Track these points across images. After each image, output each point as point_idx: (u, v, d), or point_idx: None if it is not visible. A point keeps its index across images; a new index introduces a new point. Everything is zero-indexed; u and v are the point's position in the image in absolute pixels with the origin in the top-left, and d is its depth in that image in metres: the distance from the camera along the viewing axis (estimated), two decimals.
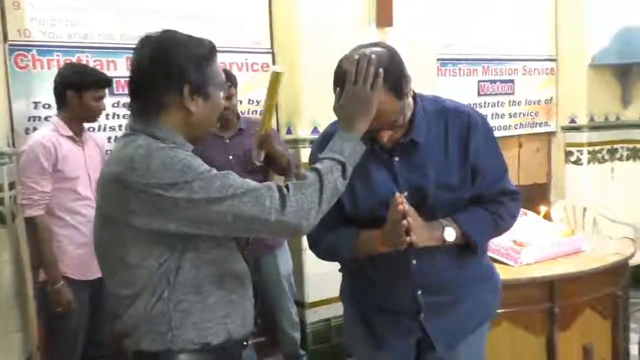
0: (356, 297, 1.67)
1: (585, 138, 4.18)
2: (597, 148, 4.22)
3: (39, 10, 2.61)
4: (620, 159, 4.30)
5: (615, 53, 4.00)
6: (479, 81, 3.96)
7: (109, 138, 2.77)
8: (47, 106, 2.59)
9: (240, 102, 2.96)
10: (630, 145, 4.30)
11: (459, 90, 3.73)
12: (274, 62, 3.22)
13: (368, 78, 1.33)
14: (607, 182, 4.22)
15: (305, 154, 3.05)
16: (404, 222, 1.38)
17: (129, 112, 1.34)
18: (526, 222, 2.55)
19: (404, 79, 1.40)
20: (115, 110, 2.79)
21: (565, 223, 3.50)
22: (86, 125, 2.47)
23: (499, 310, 1.71)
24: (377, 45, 1.42)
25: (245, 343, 1.38)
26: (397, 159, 1.49)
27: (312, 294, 3.16)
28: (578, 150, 4.21)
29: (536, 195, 4.01)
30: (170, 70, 1.25)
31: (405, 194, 1.44)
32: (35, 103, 2.61)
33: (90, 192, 2.35)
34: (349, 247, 1.51)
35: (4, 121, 2.49)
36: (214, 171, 1.23)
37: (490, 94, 4.01)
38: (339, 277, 1.73)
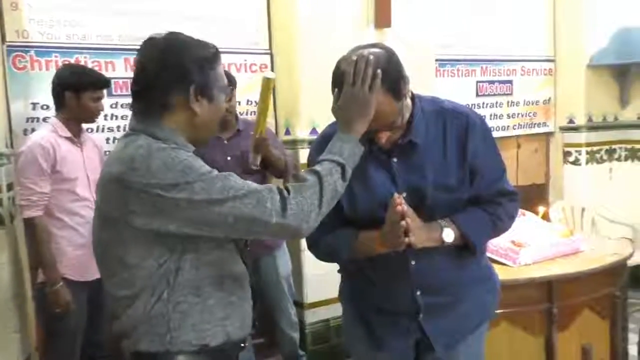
0: (355, 298, 1.67)
1: (584, 138, 4.19)
2: (595, 148, 4.22)
3: (37, 11, 2.61)
4: (618, 159, 4.31)
5: (614, 53, 4.00)
6: (477, 82, 3.97)
7: (108, 139, 2.77)
8: (45, 107, 2.59)
9: (239, 102, 2.97)
10: (629, 146, 4.31)
11: (457, 90, 3.74)
12: (272, 63, 3.22)
13: (366, 79, 1.33)
14: (605, 183, 4.23)
15: (303, 154, 3.05)
16: (403, 223, 1.38)
17: (130, 112, 1.34)
18: (525, 223, 2.55)
19: (402, 79, 1.40)
20: (113, 111, 2.79)
21: (564, 223, 3.51)
22: (85, 126, 2.47)
23: (498, 311, 1.72)
24: (375, 46, 1.42)
25: (242, 345, 1.38)
26: (395, 160, 1.49)
27: (311, 295, 3.16)
28: (576, 151, 4.22)
29: (534, 196, 4.01)
30: (177, 70, 1.26)
31: (404, 194, 1.44)
32: (34, 104, 2.60)
33: (89, 193, 2.35)
34: (347, 248, 1.51)
35: (2, 122, 2.48)
36: (215, 172, 1.23)
37: (488, 95, 4.02)
38: (338, 277, 1.73)
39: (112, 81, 2.71)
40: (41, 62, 2.62)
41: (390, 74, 1.37)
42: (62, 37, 2.67)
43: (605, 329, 2.47)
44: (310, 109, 3.09)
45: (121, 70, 2.80)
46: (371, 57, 1.34)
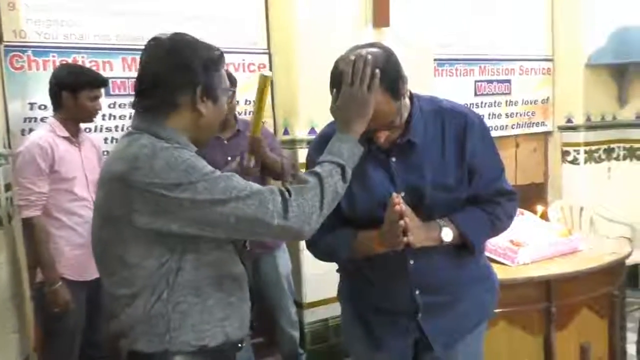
0: (354, 297, 1.67)
1: (582, 138, 4.19)
2: (593, 148, 4.23)
3: (34, 11, 2.61)
4: (617, 158, 4.31)
5: (612, 53, 4.01)
6: (476, 81, 3.97)
7: (106, 139, 2.77)
8: (43, 107, 2.59)
9: (237, 102, 2.96)
10: (627, 145, 4.31)
11: (455, 90, 3.74)
12: (270, 63, 3.22)
13: (364, 79, 1.33)
14: (603, 182, 4.23)
15: (302, 154, 3.05)
16: (401, 222, 1.38)
17: (133, 111, 1.34)
18: (523, 222, 2.56)
19: (401, 79, 1.39)
20: (111, 111, 2.79)
21: (562, 223, 3.51)
22: (82, 126, 2.47)
23: (497, 310, 1.71)
24: (373, 46, 1.42)
25: (240, 345, 1.38)
26: (394, 159, 1.49)
27: (310, 295, 3.16)
28: (575, 150, 4.22)
29: (533, 195, 4.02)
30: (184, 71, 1.26)
31: (402, 194, 1.44)
32: (31, 104, 2.60)
33: (87, 193, 2.35)
34: (346, 248, 1.51)
35: (0, 122, 2.48)
36: (218, 172, 1.23)
37: (487, 94, 4.02)
38: (336, 277, 1.73)
39: (110, 81, 2.71)
40: (39, 62, 2.61)
41: (389, 73, 1.36)
42: (59, 37, 2.67)
43: (603, 328, 2.48)
44: (309, 109, 3.09)
45: (119, 70, 2.79)
46: (369, 56, 1.34)
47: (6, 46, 2.55)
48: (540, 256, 2.42)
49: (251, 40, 3.17)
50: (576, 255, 2.49)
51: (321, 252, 1.59)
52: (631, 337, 2.72)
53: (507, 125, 4.13)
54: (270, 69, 3.20)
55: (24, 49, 2.59)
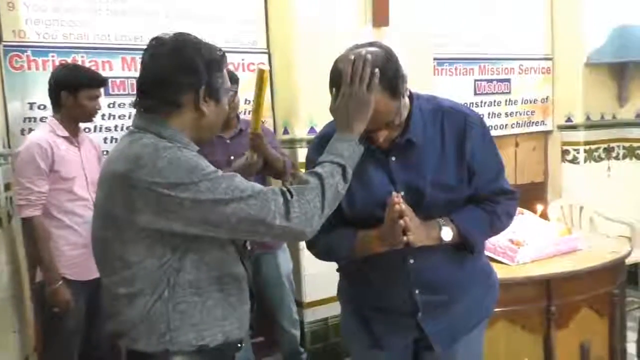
0: (354, 297, 1.67)
1: (582, 137, 4.19)
2: (593, 147, 4.23)
3: (33, 11, 2.61)
4: (616, 157, 4.31)
5: (611, 52, 4.00)
6: (475, 80, 3.97)
7: (105, 139, 2.76)
8: (42, 107, 2.59)
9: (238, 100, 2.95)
10: (627, 144, 4.31)
11: (455, 89, 3.74)
12: (270, 62, 3.22)
13: (364, 78, 1.33)
14: (603, 181, 4.23)
15: (302, 154, 3.05)
16: (401, 221, 1.38)
17: (135, 111, 1.34)
18: (523, 221, 2.56)
19: (400, 78, 1.39)
20: (111, 110, 2.79)
21: (562, 222, 3.51)
22: (82, 125, 2.47)
23: (496, 309, 1.71)
24: (373, 45, 1.41)
25: (239, 345, 1.38)
26: (393, 158, 1.49)
27: (310, 294, 3.16)
28: (574, 149, 4.22)
29: (533, 194, 4.01)
30: (189, 71, 1.27)
31: (402, 193, 1.44)
32: (31, 104, 2.60)
33: (87, 193, 2.34)
34: (346, 248, 1.51)
35: (0, 122, 2.48)
36: (220, 172, 1.23)
37: (486, 93, 4.02)
38: (336, 276, 1.73)
39: (110, 81, 2.71)
40: (38, 62, 2.61)
41: (388, 73, 1.36)
42: (59, 37, 2.67)
43: (603, 327, 2.47)
44: (309, 108, 3.09)
45: (118, 70, 2.79)
46: (369, 56, 1.34)
47: (5, 46, 2.55)
48: (540, 255, 2.42)
49: (251, 40, 3.16)
50: (576, 254, 2.49)
51: (321, 251, 1.58)
52: (631, 336, 2.72)
53: (506, 125, 4.13)
54: (270, 69, 3.20)
55: (23, 48, 2.58)
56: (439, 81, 3.70)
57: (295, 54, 3.08)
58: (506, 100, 4.12)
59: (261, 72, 2.01)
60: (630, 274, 2.86)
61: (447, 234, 1.46)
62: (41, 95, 2.48)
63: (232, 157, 2.54)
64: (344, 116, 1.35)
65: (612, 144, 4.29)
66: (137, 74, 1.33)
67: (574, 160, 4.23)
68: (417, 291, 1.53)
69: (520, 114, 4.18)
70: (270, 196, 1.22)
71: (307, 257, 2.98)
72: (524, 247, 2.38)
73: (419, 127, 1.47)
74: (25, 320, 2.55)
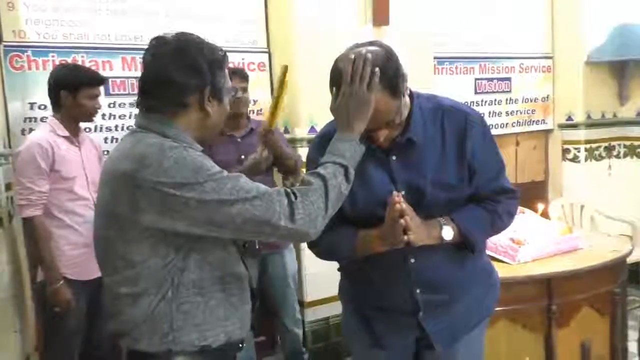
0: (355, 296, 1.67)
1: (583, 135, 4.18)
2: (594, 145, 4.22)
3: (34, 11, 2.61)
4: (617, 156, 4.30)
5: (612, 50, 4.00)
6: (476, 79, 3.96)
7: (106, 139, 2.76)
8: (43, 107, 2.59)
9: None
10: (627, 142, 4.30)
11: (455, 88, 3.73)
12: (270, 61, 3.22)
13: (364, 78, 1.33)
14: (604, 180, 4.23)
15: (303, 153, 3.04)
16: (402, 221, 1.38)
17: (137, 110, 1.34)
18: (524, 220, 2.56)
19: (401, 77, 1.39)
20: (111, 110, 2.79)
21: (563, 221, 3.50)
22: (83, 125, 2.47)
23: (497, 308, 1.71)
24: (373, 44, 1.41)
25: (241, 345, 1.38)
26: (394, 158, 1.49)
27: (311, 293, 3.16)
28: (575, 148, 4.22)
29: (533, 193, 4.01)
30: (194, 71, 1.27)
31: (403, 192, 1.44)
32: (31, 104, 2.60)
33: (88, 193, 2.35)
34: (348, 247, 1.51)
35: (0, 122, 2.48)
36: (225, 173, 1.24)
37: (487, 92, 4.01)
38: (337, 276, 1.73)
39: (110, 80, 2.71)
40: (38, 62, 2.61)
41: (389, 72, 1.36)
42: (59, 37, 2.67)
43: (604, 326, 2.47)
44: (309, 108, 3.09)
45: (119, 70, 2.79)
46: (369, 55, 1.34)
47: (6, 46, 2.55)
48: (541, 254, 2.42)
49: (251, 39, 3.16)
50: (577, 253, 2.49)
51: (322, 251, 1.58)
52: (632, 335, 2.73)
53: (507, 123, 4.12)
54: (270, 68, 3.20)
55: (23, 49, 2.58)
56: (440, 80, 3.69)
57: (295, 53, 3.07)
58: (507, 99, 4.11)
59: (284, 69, 1.99)
60: (631, 272, 2.86)
61: (447, 233, 1.46)
62: (41, 95, 2.48)
63: (242, 156, 2.55)
64: (345, 115, 1.35)
65: (612, 143, 4.28)
66: (137, 74, 1.34)
67: (574, 159, 4.22)
68: (418, 290, 1.52)
69: (521, 113, 4.18)
70: (275, 197, 1.22)
71: (308, 257, 2.98)
72: (525, 246, 2.38)
73: (420, 126, 1.47)
74: (26, 319, 2.56)
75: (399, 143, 1.47)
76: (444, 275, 1.54)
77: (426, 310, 1.54)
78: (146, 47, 1.32)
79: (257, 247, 2.55)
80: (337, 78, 1.37)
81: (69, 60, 2.65)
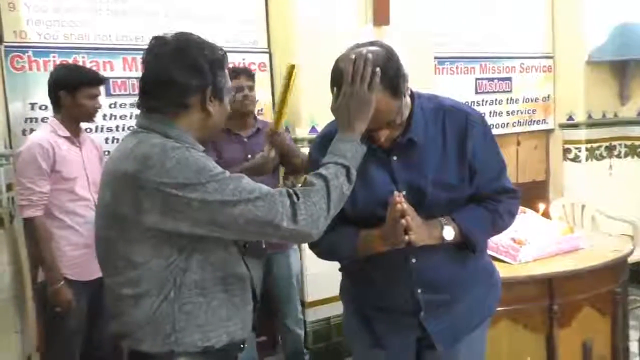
0: (356, 296, 1.67)
1: (583, 135, 4.18)
2: (595, 145, 4.22)
3: (34, 12, 2.61)
4: (618, 155, 4.30)
5: (613, 50, 3.99)
6: (477, 79, 3.96)
7: (107, 139, 2.77)
8: (43, 107, 2.59)
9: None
10: (629, 142, 4.30)
11: (456, 88, 3.73)
12: (271, 62, 3.22)
13: (365, 78, 1.33)
14: (605, 179, 4.22)
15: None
16: (403, 221, 1.38)
17: (138, 110, 1.34)
18: (525, 220, 2.55)
19: (402, 78, 1.39)
20: (112, 111, 2.79)
21: (564, 220, 3.50)
22: (83, 126, 2.47)
23: (499, 309, 1.71)
24: (374, 44, 1.41)
25: (242, 345, 1.38)
26: (395, 158, 1.49)
27: (312, 293, 3.16)
28: (576, 148, 4.21)
29: (534, 193, 4.01)
30: (195, 72, 1.27)
31: (404, 193, 1.44)
32: (32, 104, 2.60)
33: (89, 193, 2.35)
34: (349, 247, 1.51)
35: (1, 123, 2.48)
36: (228, 173, 1.24)
37: (487, 92, 4.01)
38: (338, 276, 1.73)
39: (111, 81, 2.71)
40: (39, 63, 2.61)
41: (390, 72, 1.36)
42: (60, 37, 2.67)
43: (606, 326, 2.47)
44: (310, 108, 3.09)
45: (119, 70, 2.79)
46: (370, 55, 1.34)
47: (7, 47, 2.55)
48: (542, 254, 2.42)
49: (251, 39, 3.16)
50: (578, 253, 2.49)
51: (323, 251, 1.58)
52: (634, 334, 2.72)
53: (508, 123, 4.12)
54: (271, 68, 3.20)
55: (24, 49, 2.59)
56: (440, 80, 3.69)
57: (296, 53, 3.07)
58: (507, 99, 4.11)
59: (290, 68, 1.96)
60: (632, 272, 2.85)
61: (449, 233, 1.46)
62: (42, 95, 2.48)
63: (249, 156, 2.55)
64: (345, 115, 1.35)
65: (613, 142, 4.28)
66: (138, 74, 1.33)
67: (575, 159, 4.22)
68: (419, 290, 1.52)
69: (522, 113, 4.18)
70: (277, 198, 1.22)
71: (309, 257, 2.98)
72: (526, 246, 2.38)
73: (421, 126, 1.47)
74: (27, 320, 2.56)
75: (400, 143, 1.47)
76: (445, 275, 1.53)
77: (427, 310, 1.54)
78: (147, 47, 1.32)
79: (263, 246, 2.56)
80: (338, 78, 1.37)
81: (70, 60, 2.65)
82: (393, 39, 3.05)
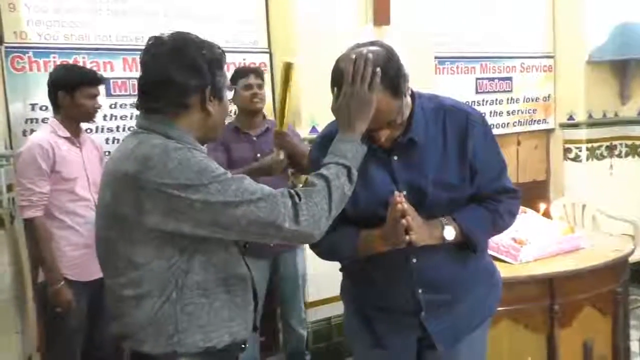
0: (356, 296, 1.67)
1: (584, 135, 4.18)
2: (595, 145, 4.21)
3: (35, 12, 2.61)
4: (619, 155, 4.30)
5: (613, 49, 3.99)
6: (477, 79, 3.96)
7: (107, 139, 2.76)
8: (44, 108, 2.59)
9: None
10: (629, 142, 4.30)
11: (456, 88, 3.73)
12: (271, 62, 3.21)
13: (365, 78, 1.32)
14: (606, 179, 4.22)
15: None
16: (404, 221, 1.37)
17: (138, 111, 1.34)
18: (525, 220, 2.55)
19: (402, 77, 1.38)
20: (112, 111, 2.79)
21: (565, 220, 3.50)
22: (84, 126, 2.47)
23: (499, 308, 1.71)
24: (374, 44, 1.41)
25: (243, 346, 1.38)
26: (395, 158, 1.49)
27: (313, 293, 3.16)
28: (577, 147, 4.21)
29: (535, 193, 4.01)
30: (194, 72, 1.27)
31: (404, 193, 1.44)
32: (32, 105, 2.60)
33: (89, 194, 2.34)
34: (349, 247, 1.51)
35: (1, 123, 2.48)
36: (229, 174, 1.23)
37: (488, 92, 4.01)
38: (339, 276, 1.73)
39: (111, 81, 2.71)
40: (39, 63, 2.61)
41: (390, 72, 1.36)
42: (60, 38, 2.67)
43: (607, 326, 2.47)
44: (310, 108, 3.08)
45: (120, 70, 2.79)
46: (370, 55, 1.34)
47: (7, 47, 2.55)
48: (543, 254, 2.41)
49: (252, 39, 3.16)
50: (579, 253, 2.48)
51: (324, 251, 1.58)
52: (634, 334, 2.72)
53: (508, 123, 4.12)
54: (271, 68, 3.20)
55: (24, 50, 2.59)
56: (441, 80, 3.69)
57: (296, 53, 3.07)
58: (508, 99, 4.11)
59: (286, 65, 1.92)
60: (633, 272, 2.85)
61: (449, 233, 1.46)
62: (43, 96, 2.48)
63: (258, 155, 2.55)
64: (346, 116, 1.35)
65: (614, 142, 4.28)
66: (138, 75, 1.33)
67: (576, 159, 4.22)
68: (420, 290, 1.52)
69: (522, 112, 4.18)
70: (279, 199, 1.22)
71: (310, 257, 2.97)
72: (527, 246, 2.37)
73: (421, 126, 1.47)
74: (27, 320, 2.56)
75: (400, 143, 1.47)
76: (446, 275, 1.53)
77: (428, 310, 1.54)
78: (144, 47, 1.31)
79: (271, 245, 2.55)
80: (338, 78, 1.37)
81: (71, 61, 2.65)
82: (393, 38, 3.04)
